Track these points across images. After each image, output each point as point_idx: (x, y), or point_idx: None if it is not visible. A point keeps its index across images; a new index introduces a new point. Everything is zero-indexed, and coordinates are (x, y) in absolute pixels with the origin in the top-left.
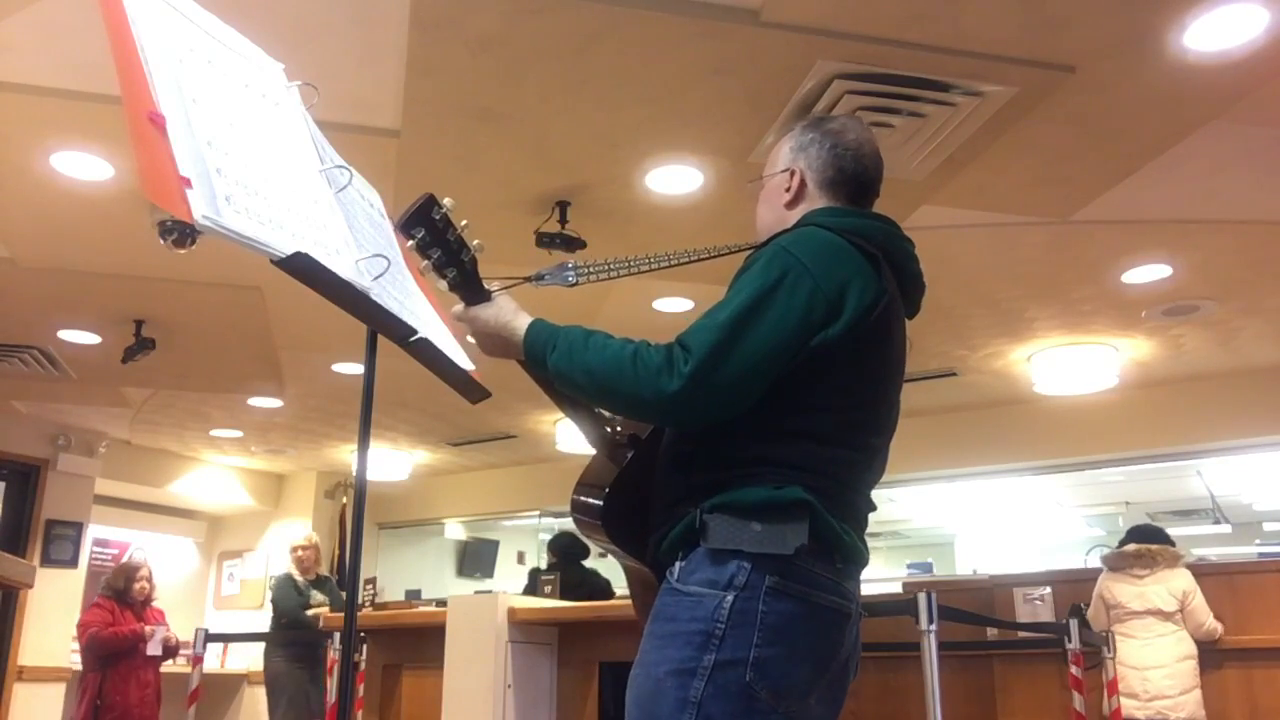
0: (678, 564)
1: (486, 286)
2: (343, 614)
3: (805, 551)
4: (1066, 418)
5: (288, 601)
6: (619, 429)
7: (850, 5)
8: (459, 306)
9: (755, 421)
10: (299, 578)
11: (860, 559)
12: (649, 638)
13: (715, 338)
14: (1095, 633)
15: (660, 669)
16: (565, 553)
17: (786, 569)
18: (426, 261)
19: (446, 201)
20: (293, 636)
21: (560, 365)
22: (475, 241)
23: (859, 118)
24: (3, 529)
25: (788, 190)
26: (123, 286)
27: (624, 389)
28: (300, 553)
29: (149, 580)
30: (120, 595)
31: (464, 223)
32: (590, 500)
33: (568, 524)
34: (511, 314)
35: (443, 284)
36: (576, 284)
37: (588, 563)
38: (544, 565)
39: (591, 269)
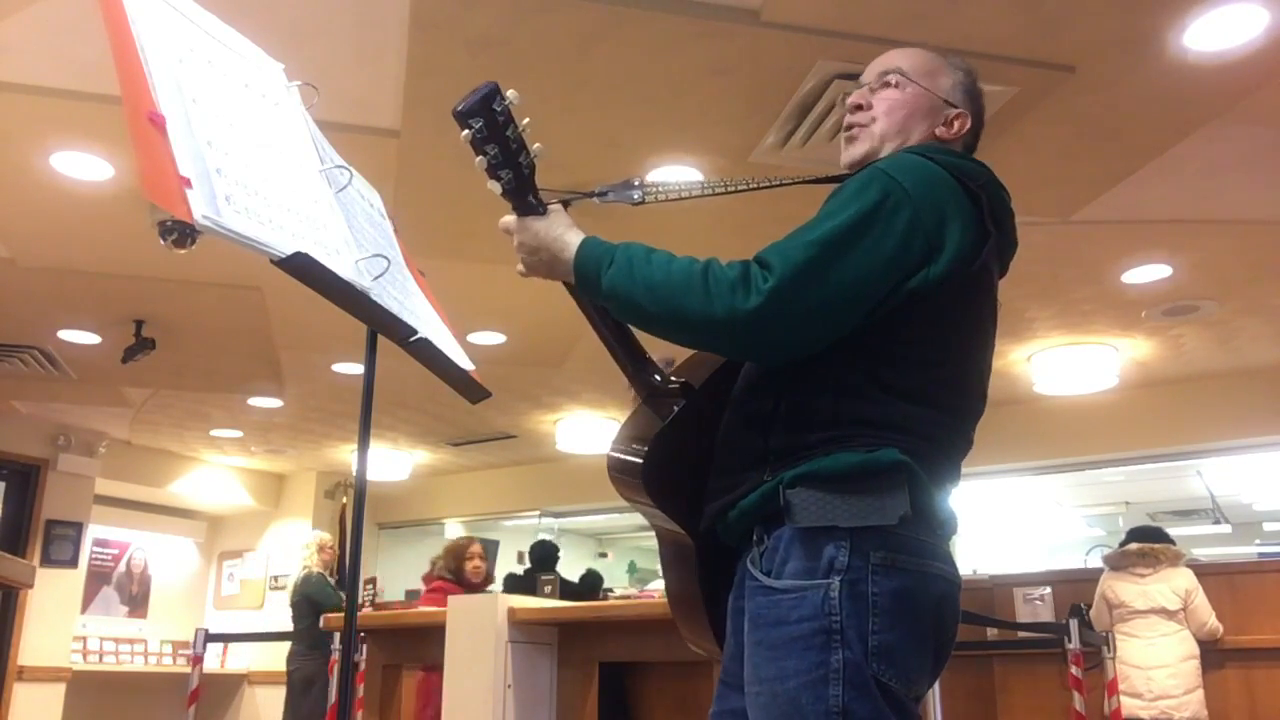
0: (757, 550)
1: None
2: (343, 614)
3: (907, 520)
4: (1066, 418)
5: (332, 600)
6: (670, 378)
7: (850, 5)
8: (509, 216)
9: (842, 374)
10: (329, 576)
11: (955, 524)
12: (757, 647)
13: (804, 255)
14: (1095, 633)
15: (788, 683)
16: (541, 559)
17: (890, 541)
18: (481, 158)
19: (510, 94)
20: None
21: (617, 283)
22: (536, 145)
23: None
24: (3, 529)
25: (948, 125)
26: (123, 286)
27: (692, 307)
28: (329, 553)
29: (482, 557)
30: (458, 577)
31: (525, 120)
32: (628, 456)
33: (568, 524)
34: (564, 228)
35: (495, 187)
36: (642, 202)
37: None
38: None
39: (661, 188)
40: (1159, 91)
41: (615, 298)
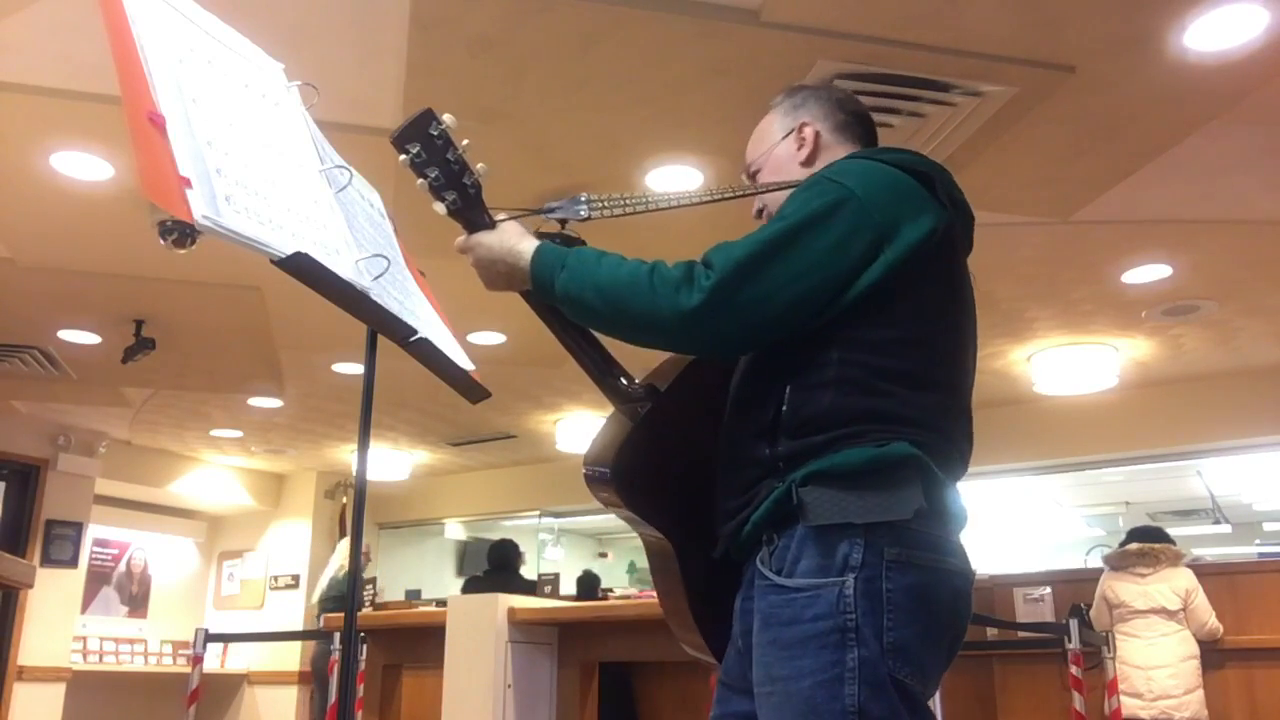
0: (767, 550)
1: (493, 216)
2: (343, 614)
3: (921, 514)
4: (1066, 418)
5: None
6: (635, 382)
7: (850, 5)
8: (460, 237)
9: (839, 370)
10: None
11: (965, 517)
12: (768, 647)
13: (744, 253)
14: (1095, 633)
15: (803, 683)
16: (499, 562)
17: (904, 537)
18: (422, 181)
19: (446, 118)
20: None
21: (569, 286)
22: (480, 165)
23: None
24: (3, 529)
25: (801, 148)
26: (123, 286)
27: (638, 306)
28: (366, 556)
29: None
30: None
31: (465, 142)
32: (598, 460)
33: (568, 524)
34: (517, 238)
35: (440, 208)
36: (589, 218)
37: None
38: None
39: (606, 202)
40: (1159, 91)
41: (569, 301)
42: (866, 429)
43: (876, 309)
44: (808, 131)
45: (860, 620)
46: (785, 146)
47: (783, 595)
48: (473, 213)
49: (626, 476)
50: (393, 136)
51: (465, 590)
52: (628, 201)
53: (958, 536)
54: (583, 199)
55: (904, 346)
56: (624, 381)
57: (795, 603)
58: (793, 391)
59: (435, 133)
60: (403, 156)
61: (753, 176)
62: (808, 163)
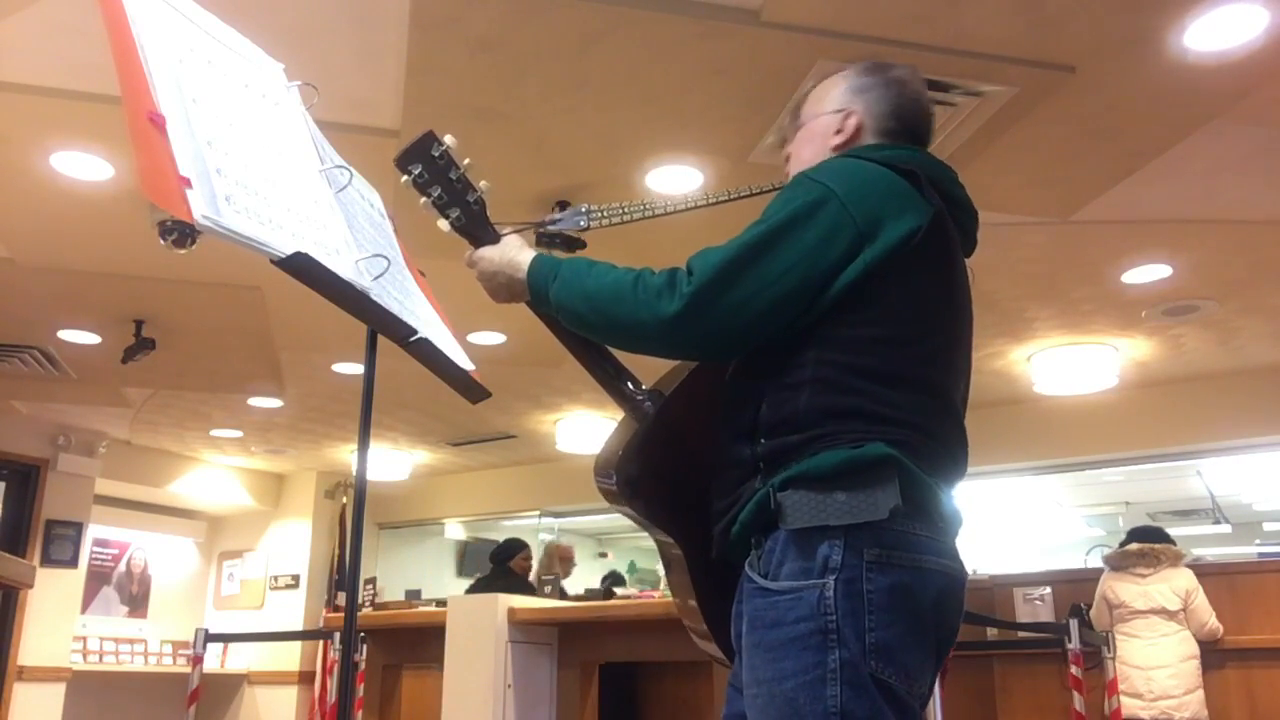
0: (755, 554)
1: (498, 231)
2: (343, 614)
3: (900, 514)
4: (1066, 418)
5: None
6: (642, 386)
7: (850, 5)
8: (468, 252)
9: (817, 370)
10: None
11: (959, 519)
12: (755, 649)
13: (722, 257)
14: (1096, 633)
15: (785, 684)
16: (504, 560)
17: (884, 537)
18: (425, 199)
19: (448, 139)
20: None
21: (561, 295)
22: (483, 183)
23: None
24: (3, 529)
25: (839, 132)
26: (123, 286)
27: (623, 313)
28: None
29: None
30: None
31: (466, 161)
32: (605, 465)
33: (568, 524)
34: (516, 250)
35: (444, 224)
36: (589, 228)
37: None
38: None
39: (605, 212)
40: (1159, 91)
41: (562, 309)
42: (842, 428)
43: (857, 307)
44: (851, 121)
45: (841, 621)
46: (827, 121)
47: (767, 598)
48: (477, 228)
49: (630, 483)
50: (395, 159)
51: (469, 592)
52: (626, 210)
53: (947, 536)
54: (583, 209)
55: (885, 345)
56: (630, 386)
57: (779, 605)
58: (771, 392)
59: (437, 154)
60: (405, 178)
61: (799, 126)
62: (840, 147)
